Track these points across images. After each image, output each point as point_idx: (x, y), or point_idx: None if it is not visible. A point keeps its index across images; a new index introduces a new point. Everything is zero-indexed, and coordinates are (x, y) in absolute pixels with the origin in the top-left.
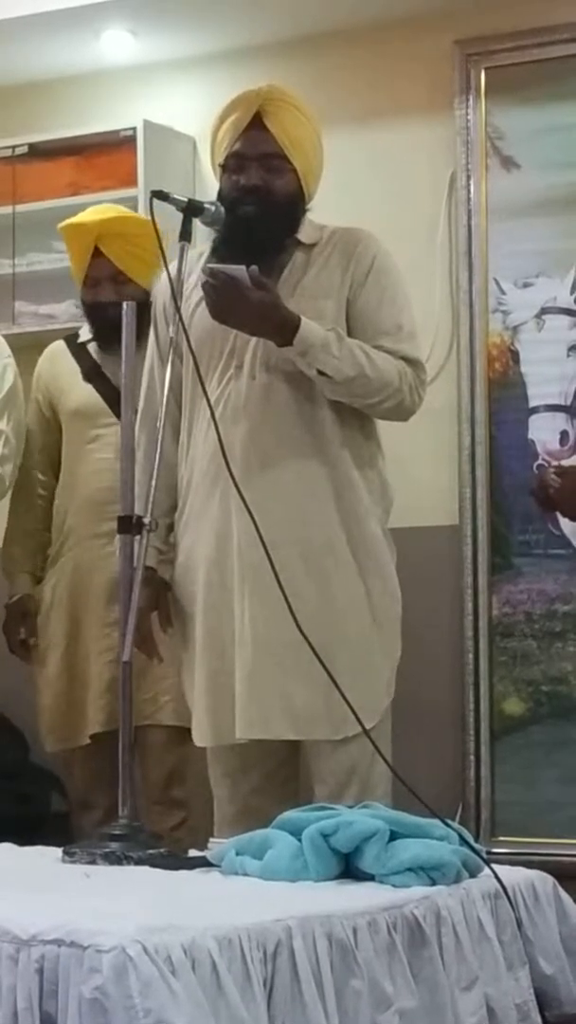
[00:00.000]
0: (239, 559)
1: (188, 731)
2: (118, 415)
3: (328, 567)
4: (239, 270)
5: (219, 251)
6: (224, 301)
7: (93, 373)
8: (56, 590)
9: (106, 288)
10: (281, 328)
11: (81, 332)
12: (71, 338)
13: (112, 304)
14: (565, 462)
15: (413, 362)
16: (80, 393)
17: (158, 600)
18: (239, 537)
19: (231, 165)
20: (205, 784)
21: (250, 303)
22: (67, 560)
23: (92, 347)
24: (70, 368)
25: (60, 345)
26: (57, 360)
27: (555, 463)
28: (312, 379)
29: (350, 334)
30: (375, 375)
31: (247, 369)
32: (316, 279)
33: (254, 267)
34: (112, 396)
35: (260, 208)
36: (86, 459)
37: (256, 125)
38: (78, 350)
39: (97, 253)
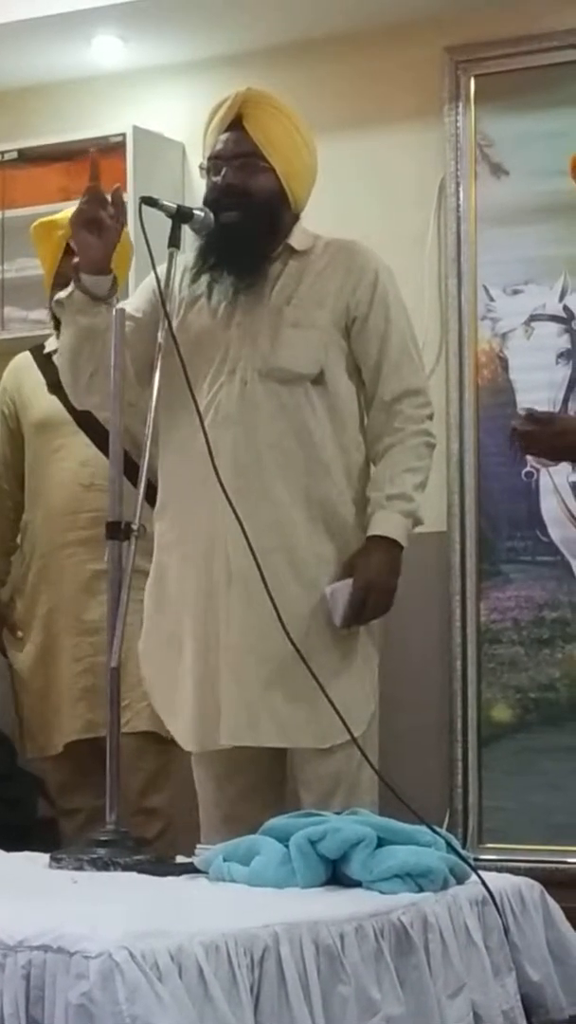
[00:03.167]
0: (227, 564)
1: (163, 736)
2: (81, 425)
3: (316, 575)
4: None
5: (203, 257)
6: None
7: (58, 385)
8: (27, 601)
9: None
10: (391, 564)
11: (47, 343)
12: (37, 349)
13: None
14: (553, 469)
15: (421, 391)
16: (44, 405)
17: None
18: (228, 542)
19: (210, 167)
20: (186, 791)
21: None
22: (36, 571)
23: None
24: (35, 380)
25: (26, 357)
26: (22, 372)
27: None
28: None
29: (357, 352)
30: (422, 464)
31: (239, 375)
32: (311, 288)
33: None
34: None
35: (238, 210)
36: (50, 470)
37: (235, 127)
38: (44, 361)
39: (68, 251)
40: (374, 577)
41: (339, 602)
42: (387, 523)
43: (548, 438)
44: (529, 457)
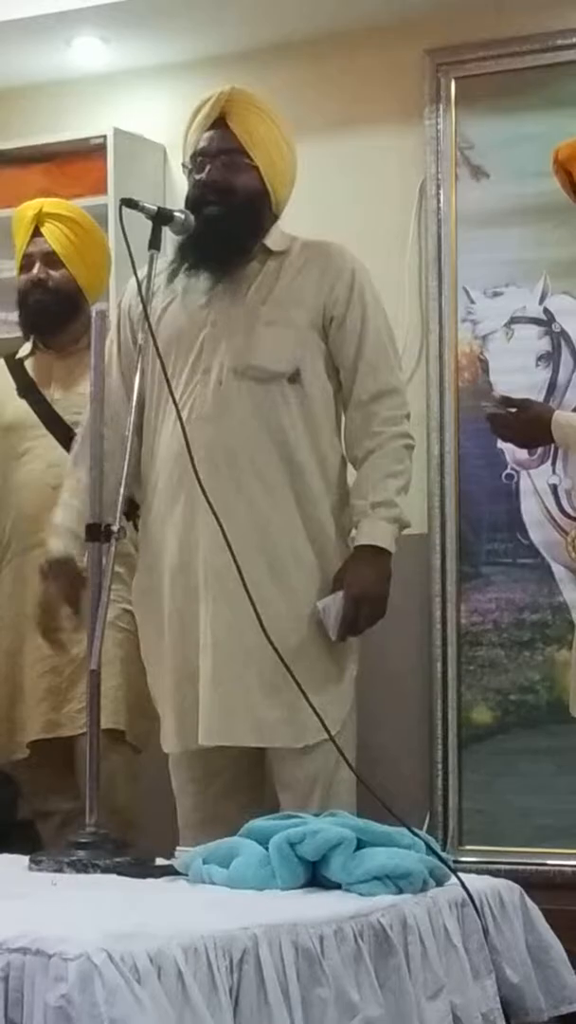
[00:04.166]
0: (203, 564)
1: (122, 734)
2: (49, 428)
3: (293, 574)
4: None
5: (184, 252)
6: None
7: (27, 389)
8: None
9: (36, 267)
10: (381, 572)
11: (21, 349)
12: (10, 356)
13: (36, 283)
14: (534, 471)
15: (398, 391)
16: (14, 408)
17: (71, 592)
18: (204, 542)
19: (194, 165)
20: (148, 792)
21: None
22: (6, 573)
23: (29, 363)
24: (6, 385)
25: None
26: None
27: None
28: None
29: (334, 352)
30: (403, 467)
31: (214, 375)
32: (288, 289)
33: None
34: (44, 410)
35: (222, 205)
36: (17, 472)
37: (218, 125)
38: (15, 366)
39: (37, 234)
40: (365, 588)
41: (331, 616)
42: (373, 531)
43: (521, 423)
44: (500, 442)
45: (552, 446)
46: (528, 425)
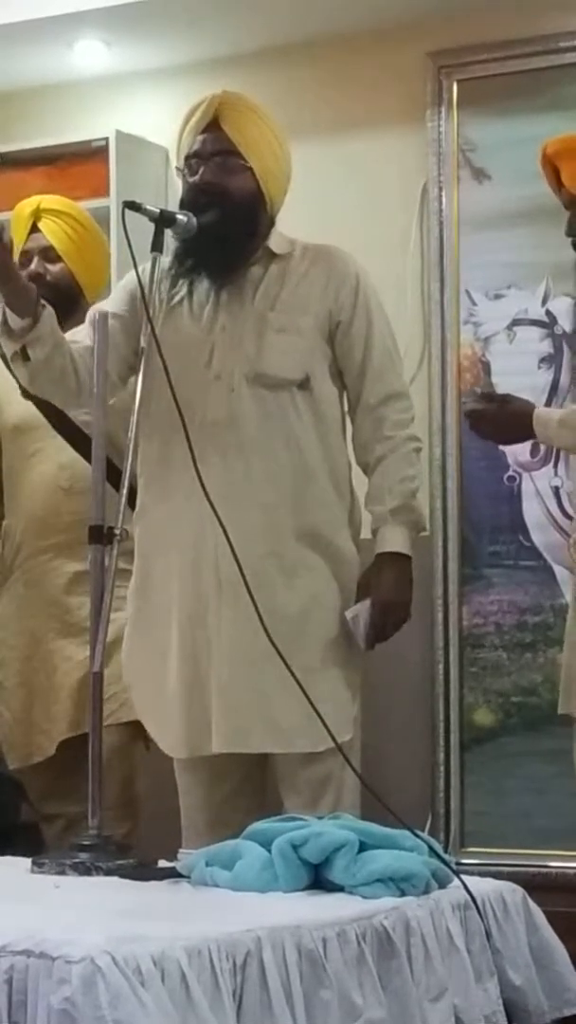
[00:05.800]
0: (216, 570)
1: (140, 728)
2: (56, 428)
3: (304, 581)
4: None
5: (181, 259)
6: None
7: None
8: (10, 606)
9: (34, 262)
10: (404, 578)
11: None
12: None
13: (33, 277)
14: (535, 473)
15: (404, 395)
16: (18, 408)
17: None
18: (217, 549)
19: (188, 167)
20: (157, 792)
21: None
22: (18, 576)
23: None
24: (8, 384)
25: None
26: None
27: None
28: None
29: (340, 357)
30: (415, 470)
31: (225, 380)
32: (294, 293)
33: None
34: (50, 410)
35: (216, 209)
36: (27, 474)
37: (211, 127)
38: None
39: (35, 230)
40: (391, 595)
41: (361, 625)
42: (394, 538)
43: (502, 418)
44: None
45: (554, 448)
46: (509, 420)
